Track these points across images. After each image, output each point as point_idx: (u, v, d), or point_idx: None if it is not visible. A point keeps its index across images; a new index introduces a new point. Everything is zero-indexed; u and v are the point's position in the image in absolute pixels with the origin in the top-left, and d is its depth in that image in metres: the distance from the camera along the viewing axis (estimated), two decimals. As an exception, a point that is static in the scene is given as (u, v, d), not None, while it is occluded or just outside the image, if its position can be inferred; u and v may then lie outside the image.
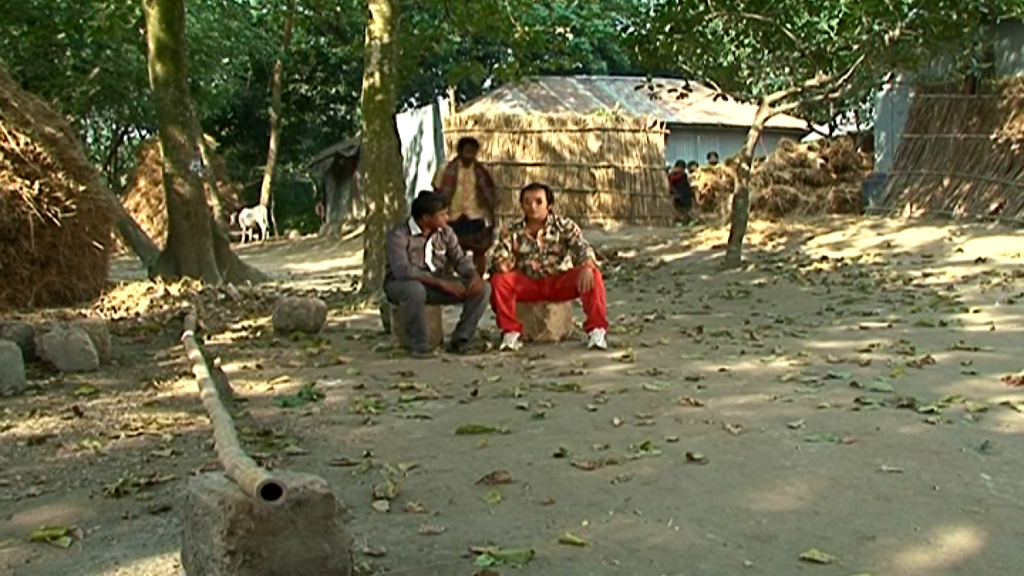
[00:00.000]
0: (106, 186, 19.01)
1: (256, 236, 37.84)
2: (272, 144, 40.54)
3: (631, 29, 18.51)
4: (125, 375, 8.29)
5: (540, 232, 9.61)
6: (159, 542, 3.91)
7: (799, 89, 17.44)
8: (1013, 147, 18.30)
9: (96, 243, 13.13)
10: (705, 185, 27.60)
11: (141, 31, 20.33)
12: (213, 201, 27.66)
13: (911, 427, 5.48)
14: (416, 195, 10.27)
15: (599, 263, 11.73)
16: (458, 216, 13.67)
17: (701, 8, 16.28)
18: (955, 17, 15.06)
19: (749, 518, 4.02)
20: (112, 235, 15.33)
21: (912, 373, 7.28)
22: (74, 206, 12.47)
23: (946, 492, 4.30)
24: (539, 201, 9.60)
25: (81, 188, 12.76)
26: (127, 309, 12.55)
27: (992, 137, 18.87)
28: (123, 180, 44.09)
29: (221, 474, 3.54)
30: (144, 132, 46.31)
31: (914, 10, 15.07)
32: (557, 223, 9.67)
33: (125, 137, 49.71)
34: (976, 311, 10.77)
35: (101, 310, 12.42)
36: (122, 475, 4.86)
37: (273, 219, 39.58)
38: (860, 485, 4.43)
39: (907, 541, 3.72)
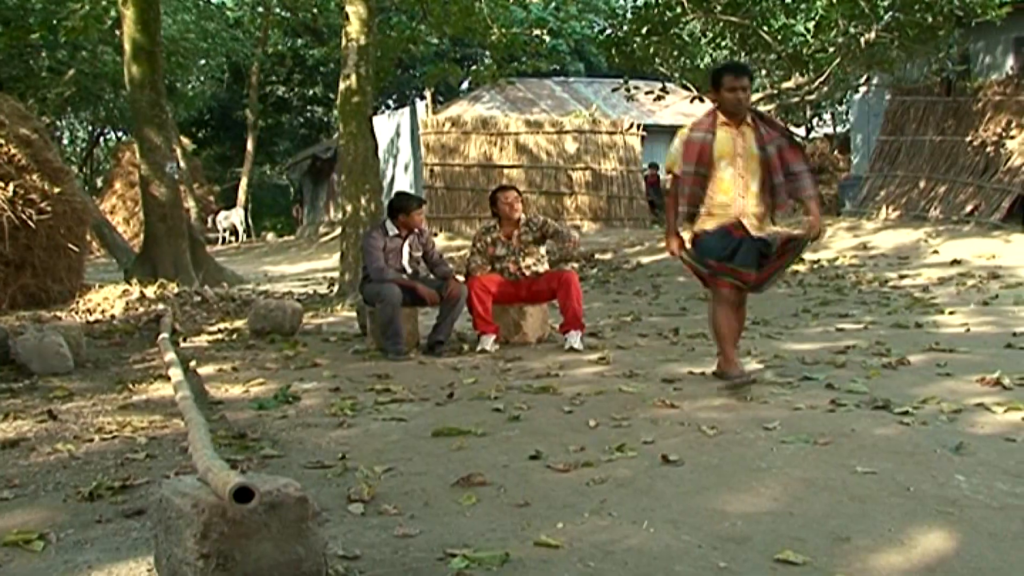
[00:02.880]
0: (82, 188, 18.90)
1: (233, 238, 37.75)
2: (249, 146, 40.44)
3: (608, 31, 18.55)
4: (100, 378, 8.25)
5: (515, 233, 9.60)
6: (133, 546, 3.90)
7: (776, 91, 17.53)
8: (988, 149, 18.43)
9: (71, 245, 13.07)
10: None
11: (117, 32, 20.26)
12: (190, 203, 27.55)
13: (886, 428, 5.50)
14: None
15: (576, 264, 11.67)
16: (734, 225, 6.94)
17: (678, 10, 16.33)
18: (930, 20, 15.17)
19: (724, 519, 4.03)
20: (88, 237, 15.28)
21: (887, 374, 7.32)
22: (49, 208, 12.40)
23: (920, 493, 4.32)
24: (516, 201, 9.60)
25: (56, 190, 12.69)
26: (102, 311, 12.49)
27: (967, 139, 18.99)
28: (99, 182, 43.85)
29: (195, 477, 3.53)
30: (120, 134, 46.08)
31: (890, 13, 15.17)
32: (531, 222, 9.67)
33: (101, 139, 49.52)
34: (951, 313, 10.82)
35: (76, 312, 12.35)
36: (96, 478, 4.84)
37: (250, 221, 39.48)
38: (835, 486, 4.44)
39: (881, 542, 3.74)
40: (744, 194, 6.90)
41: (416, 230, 9.49)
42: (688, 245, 7.14)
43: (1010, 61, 19.76)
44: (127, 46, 16.03)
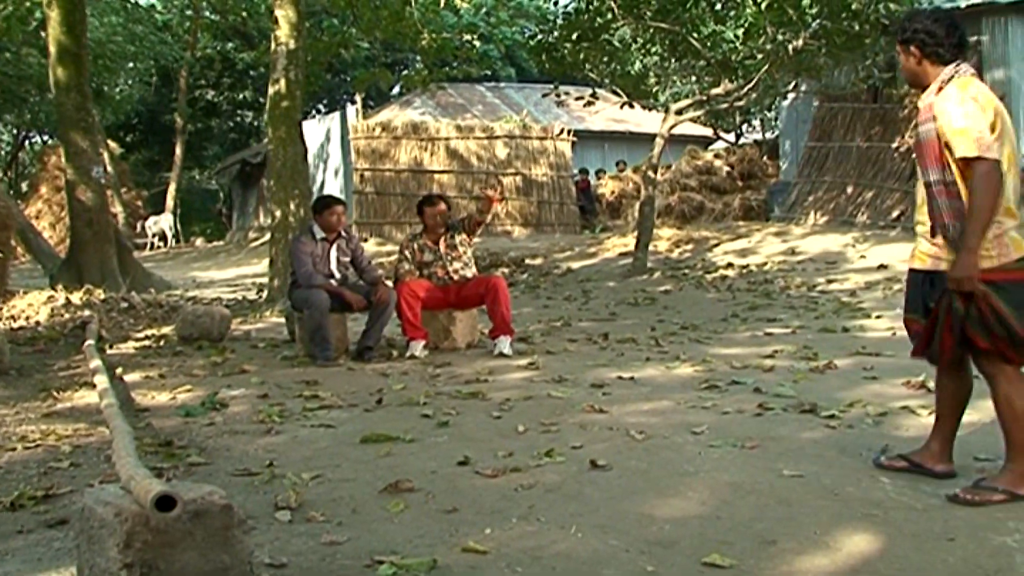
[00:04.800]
0: (6, 192, 18.71)
1: (162, 243, 37.41)
2: (178, 150, 40.12)
3: (539, 37, 18.53)
4: (23, 385, 8.15)
5: (441, 238, 9.63)
6: (55, 556, 3.85)
7: (705, 97, 17.61)
8: (914, 156, 18.63)
9: (-5, 251, 12.89)
10: (612, 192, 27.76)
11: (42, 34, 20.00)
12: (117, 208, 27.24)
13: (813, 432, 5.56)
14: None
15: (505, 270, 11.70)
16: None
17: (608, 17, 16.37)
18: (857, 28, 15.32)
19: (652, 524, 4.05)
20: (12, 242, 15.06)
21: (815, 378, 7.39)
22: (-28, 213, 12.24)
23: (846, 496, 4.37)
24: (442, 215, 9.67)
25: (-21, 194, 12.52)
26: (27, 318, 12.34)
27: (894, 146, 19.21)
28: (24, 186, 43.26)
29: (118, 486, 3.49)
30: (46, 137, 45.53)
31: (817, 21, 15.30)
32: (453, 226, 9.71)
33: (26, 142, 48.81)
34: (878, 317, 10.94)
35: (0, 319, 12.19)
36: (18, 488, 4.77)
37: (179, 226, 39.15)
38: (762, 490, 4.48)
39: (807, 545, 3.78)
40: (919, 199, 4.77)
41: (343, 234, 9.46)
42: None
43: (935, 69, 20.00)
44: (52, 48, 15.83)
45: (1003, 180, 4.32)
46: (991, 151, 4.28)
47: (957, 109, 4.38)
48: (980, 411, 5.75)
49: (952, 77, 4.52)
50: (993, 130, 4.33)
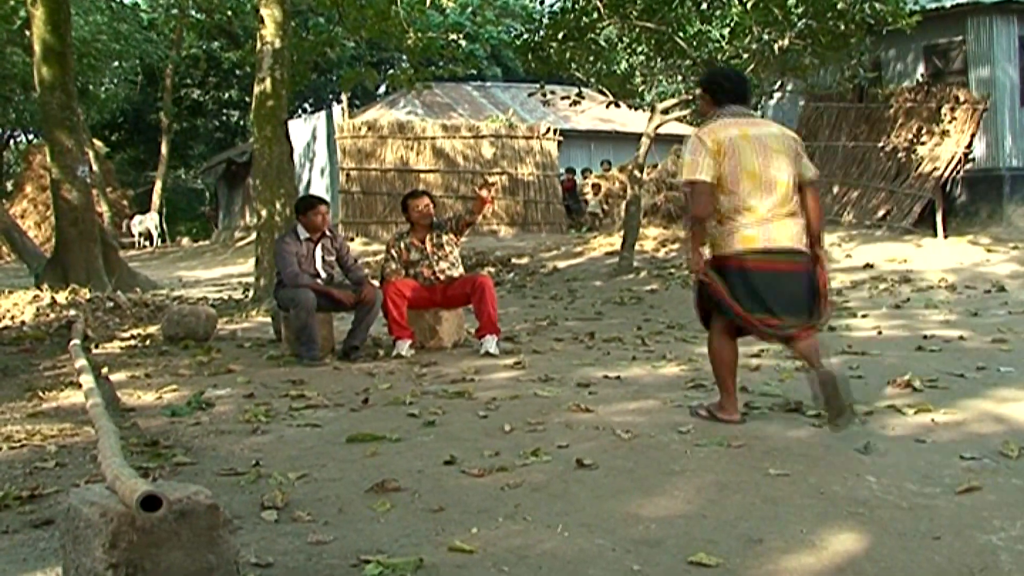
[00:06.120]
0: (-9, 192, 18.61)
1: (148, 243, 37.32)
2: (163, 149, 40.06)
3: (525, 36, 18.50)
4: (8, 385, 8.11)
5: (427, 237, 9.61)
6: (40, 557, 3.83)
7: (691, 97, 17.62)
8: (899, 155, 18.73)
9: (-21, 250, 12.85)
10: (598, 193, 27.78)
11: (26, 33, 19.93)
12: (103, 207, 27.12)
13: (798, 431, 5.56)
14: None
15: (491, 269, 11.69)
16: None
17: (594, 16, 16.37)
18: (843, 28, 15.35)
19: (638, 523, 4.05)
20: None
21: (800, 378, 7.36)
22: (-44, 212, 12.19)
23: (832, 494, 4.37)
24: (427, 208, 9.64)
25: (-36, 194, 12.47)
26: (12, 318, 12.29)
27: (879, 145, 19.29)
28: (9, 186, 43.13)
29: (104, 486, 3.47)
30: (31, 136, 45.41)
31: (803, 20, 15.31)
32: (440, 225, 9.70)
33: (11, 141, 48.67)
34: (864, 316, 10.97)
35: (-16, 319, 12.15)
36: (3, 488, 4.75)
37: (164, 226, 39.07)
38: (748, 489, 4.48)
39: (793, 543, 3.78)
40: None
41: (328, 233, 9.44)
42: None
43: (920, 68, 20.09)
44: (37, 47, 15.77)
45: (716, 194, 5.67)
46: (698, 174, 5.67)
47: (687, 146, 5.84)
48: (965, 411, 5.80)
49: (706, 121, 5.95)
50: (719, 154, 5.65)
